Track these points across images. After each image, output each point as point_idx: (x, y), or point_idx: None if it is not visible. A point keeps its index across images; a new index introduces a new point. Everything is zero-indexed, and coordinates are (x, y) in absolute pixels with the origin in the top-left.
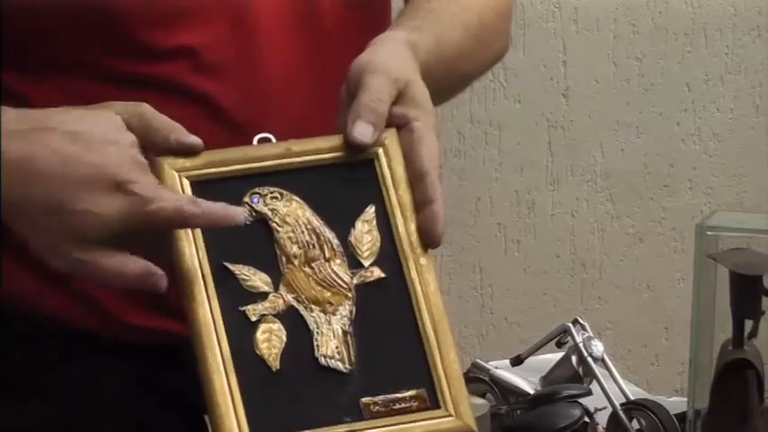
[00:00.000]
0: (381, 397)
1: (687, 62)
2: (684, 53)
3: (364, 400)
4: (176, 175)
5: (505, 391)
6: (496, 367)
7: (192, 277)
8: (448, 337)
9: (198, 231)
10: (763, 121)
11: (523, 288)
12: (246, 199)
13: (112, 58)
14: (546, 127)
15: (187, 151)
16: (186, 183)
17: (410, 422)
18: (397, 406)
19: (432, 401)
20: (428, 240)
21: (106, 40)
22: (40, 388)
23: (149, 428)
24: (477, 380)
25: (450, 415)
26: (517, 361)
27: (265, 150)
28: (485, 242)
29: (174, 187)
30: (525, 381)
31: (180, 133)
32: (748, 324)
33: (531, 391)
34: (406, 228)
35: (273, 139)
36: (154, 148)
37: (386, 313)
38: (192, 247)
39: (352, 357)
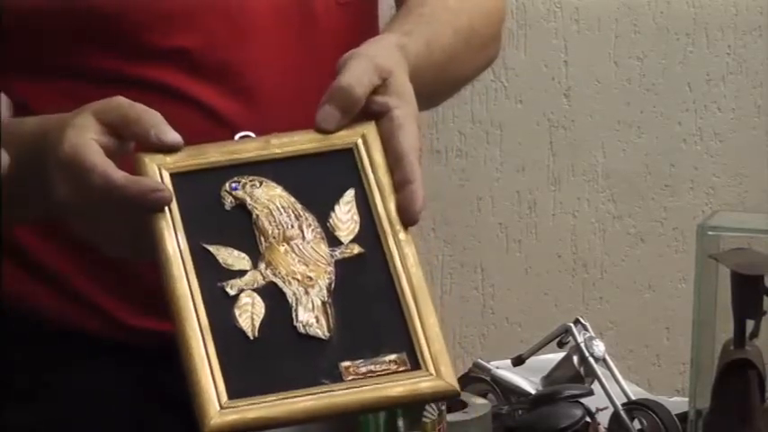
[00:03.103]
0: (361, 361)
1: (688, 62)
2: (686, 53)
3: (344, 363)
4: (156, 167)
5: (507, 391)
6: (498, 367)
7: (171, 257)
8: (428, 303)
9: (177, 215)
10: (764, 121)
11: (525, 288)
12: (226, 187)
13: (108, 60)
14: (547, 127)
15: (168, 149)
16: (166, 175)
17: (390, 382)
18: (378, 368)
19: (412, 364)
20: (406, 218)
21: (102, 42)
22: (39, 389)
23: (149, 430)
24: (479, 380)
25: (431, 374)
26: (518, 361)
27: (245, 144)
28: (486, 242)
29: (153, 179)
30: (526, 381)
31: (160, 129)
32: (750, 324)
33: (533, 391)
34: (385, 207)
35: (254, 136)
36: (135, 140)
37: (365, 284)
38: (171, 230)
39: (332, 325)
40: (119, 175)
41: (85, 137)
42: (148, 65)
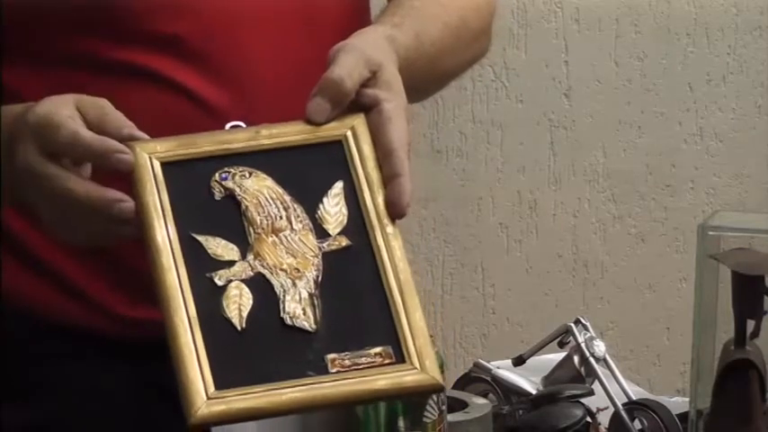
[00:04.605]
0: (347, 353)
1: (689, 62)
2: (686, 53)
3: (330, 356)
4: (147, 156)
5: (507, 391)
6: (498, 367)
7: (160, 247)
8: (414, 298)
9: (167, 204)
10: (765, 121)
11: (525, 288)
12: (216, 177)
13: (98, 45)
14: (548, 127)
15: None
16: (157, 164)
17: (375, 375)
18: (363, 361)
19: (397, 357)
20: (394, 212)
21: (92, 27)
22: (34, 387)
23: (148, 426)
24: (479, 380)
25: (415, 368)
26: (519, 361)
27: (235, 134)
28: (486, 242)
29: (144, 168)
30: (527, 381)
31: (132, 129)
32: (750, 324)
33: (533, 391)
34: (373, 200)
35: (244, 126)
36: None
37: (352, 277)
38: (160, 220)
39: (318, 317)
40: (87, 132)
41: (60, 106)
42: (139, 51)
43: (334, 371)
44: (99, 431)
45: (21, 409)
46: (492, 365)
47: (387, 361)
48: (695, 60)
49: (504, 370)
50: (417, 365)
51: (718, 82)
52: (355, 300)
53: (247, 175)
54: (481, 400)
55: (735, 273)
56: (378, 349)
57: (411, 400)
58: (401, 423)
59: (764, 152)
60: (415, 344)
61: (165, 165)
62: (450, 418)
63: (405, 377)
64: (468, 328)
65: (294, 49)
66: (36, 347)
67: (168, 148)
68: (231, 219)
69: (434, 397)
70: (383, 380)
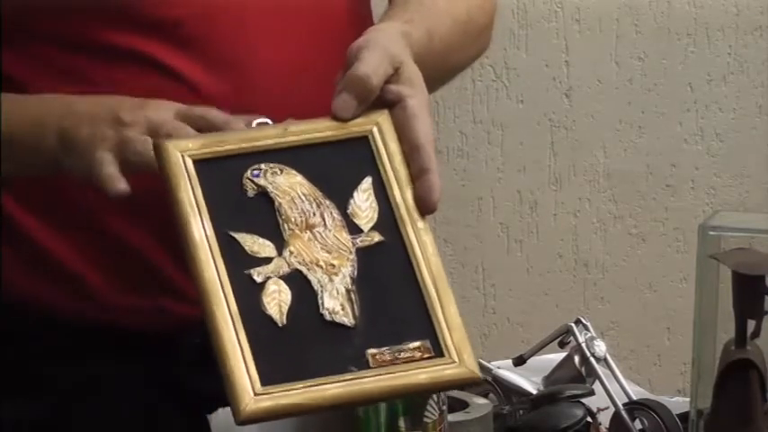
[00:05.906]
0: (387, 348)
1: (690, 62)
2: (687, 53)
3: (370, 351)
4: (179, 154)
5: (508, 391)
6: (499, 367)
7: (198, 244)
8: (448, 292)
9: (202, 203)
10: (765, 121)
11: (526, 288)
12: (248, 174)
13: (94, 29)
14: (548, 127)
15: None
16: (189, 161)
17: (415, 370)
18: (403, 355)
19: (436, 351)
20: (424, 207)
21: (88, 10)
22: (36, 383)
23: (150, 419)
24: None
25: (454, 362)
26: (519, 361)
27: (263, 131)
28: (487, 242)
29: (177, 165)
30: (528, 381)
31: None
32: (751, 324)
33: (534, 391)
34: (402, 196)
35: (271, 123)
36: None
37: (387, 273)
38: (197, 217)
39: (356, 313)
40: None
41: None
42: (138, 35)
43: (375, 366)
44: (98, 427)
45: (19, 406)
46: (492, 365)
47: (426, 355)
48: (695, 60)
49: (505, 370)
50: (456, 359)
51: (718, 82)
52: (391, 295)
53: (278, 171)
54: (482, 400)
55: (735, 273)
56: (416, 344)
57: (411, 401)
58: (401, 423)
59: (764, 152)
60: (452, 338)
61: (197, 162)
62: (451, 418)
63: (444, 371)
64: (469, 328)
65: (296, 40)
66: (33, 343)
67: (200, 146)
68: (265, 216)
69: (434, 397)
70: (423, 374)
